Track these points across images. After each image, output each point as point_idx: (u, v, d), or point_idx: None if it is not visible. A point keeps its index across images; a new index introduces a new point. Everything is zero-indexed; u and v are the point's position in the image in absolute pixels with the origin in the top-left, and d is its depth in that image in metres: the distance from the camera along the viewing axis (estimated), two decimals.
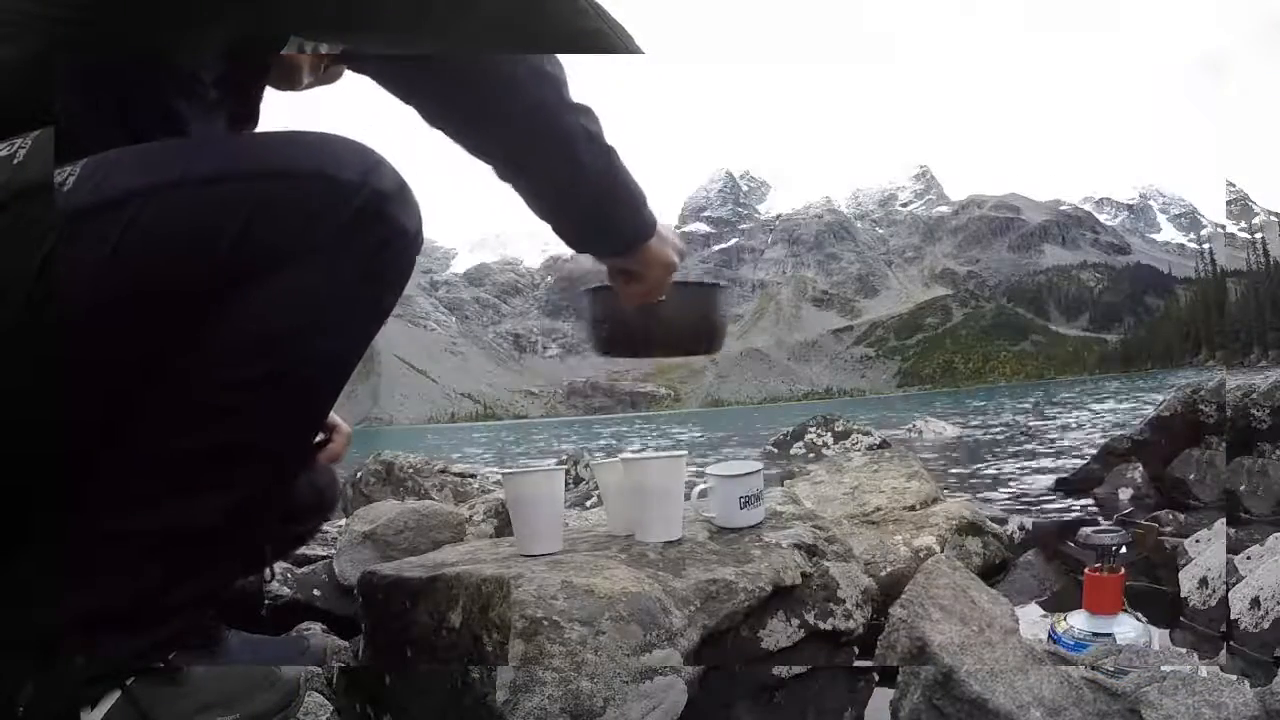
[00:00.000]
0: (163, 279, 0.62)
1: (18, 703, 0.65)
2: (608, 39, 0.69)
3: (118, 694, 0.69)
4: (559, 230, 0.87)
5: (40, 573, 0.66)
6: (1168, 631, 1.20)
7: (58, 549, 0.66)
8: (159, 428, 0.66)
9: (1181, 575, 1.30)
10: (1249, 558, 1.24)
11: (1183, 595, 1.26)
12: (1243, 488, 1.90)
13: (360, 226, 0.66)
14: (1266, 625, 1.09)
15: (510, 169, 0.82)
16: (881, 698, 0.98)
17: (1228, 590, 1.18)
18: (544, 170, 0.81)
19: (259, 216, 0.63)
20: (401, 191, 0.68)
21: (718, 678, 0.86)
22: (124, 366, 0.64)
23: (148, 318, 0.62)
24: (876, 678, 0.99)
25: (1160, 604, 1.32)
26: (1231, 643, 1.12)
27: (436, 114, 0.78)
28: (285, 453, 0.73)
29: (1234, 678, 0.83)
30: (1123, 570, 1.05)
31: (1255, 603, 1.12)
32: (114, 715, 0.68)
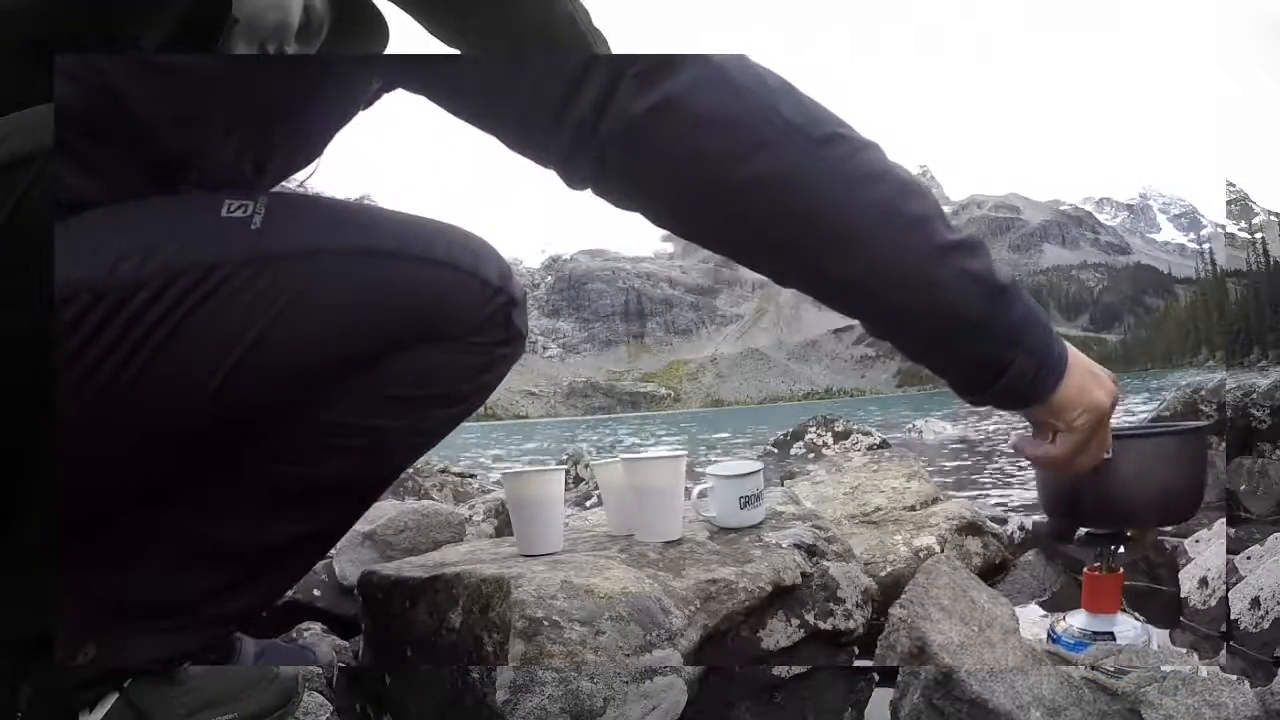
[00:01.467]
0: (324, 334, 0.66)
1: (18, 705, 0.66)
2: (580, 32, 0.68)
3: (115, 696, 0.70)
4: (943, 376, 0.71)
5: (44, 573, 0.67)
6: (1168, 632, 1.20)
7: (121, 540, 0.69)
8: (268, 452, 0.70)
9: (1181, 575, 1.30)
10: (1249, 558, 1.25)
11: (1183, 595, 1.26)
12: (1243, 488, 1.90)
13: (491, 323, 0.74)
14: (1266, 625, 1.09)
15: (878, 330, 0.67)
16: (881, 698, 0.98)
17: (1228, 590, 1.18)
18: (918, 329, 0.66)
19: (421, 299, 0.70)
20: (524, 300, 0.77)
21: (718, 678, 0.86)
22: (255, 398, 0.66)
23: (296, 365, 0.66)
24: (876, 678, 0.99)
25: (1160, 604, 1.33)
26: (1231, 643, 1.12)
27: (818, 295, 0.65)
28: (366, 497, 0.80)
29: (1234, 678, 0.84)
30: (1121, 570, 1.05)
31: (1255, 603, 1.13)
32: (113, 717, 0.69)
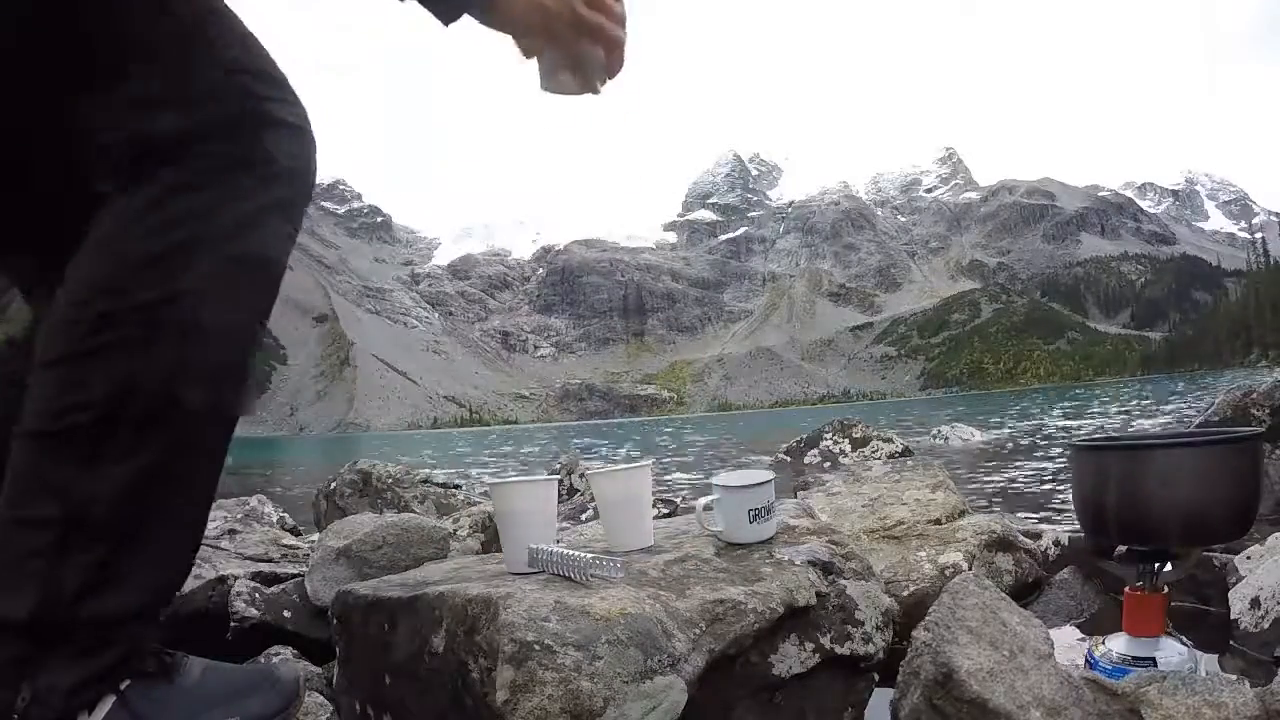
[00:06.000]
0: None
1: (14, 708, 0.67)
2: None
3: (113, 698, 0.71)
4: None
5: None
6: (1216, 656, 1.21)
7: None
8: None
9: (1231, 595, 1.30)
10: (1249, 558, 1.30)
11: (1233, 617, 1.26)
12: None
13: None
14: (1266, 625, 1.14)
15: None
16: (881, 698, 1.03)
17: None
18: None
19: None
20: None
21: (718, 677, 0.88)
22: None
23: None
24: (876, 678, 1.03)
25: (1208, 626, 1.33)
26: (1232, 642, 1.17)
27: None
28: (182, 398, 0.71)
29: (1234, 677, 0.86)
30: (1165, 589, 1.05)
31: (1255, 603, 1.18)
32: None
